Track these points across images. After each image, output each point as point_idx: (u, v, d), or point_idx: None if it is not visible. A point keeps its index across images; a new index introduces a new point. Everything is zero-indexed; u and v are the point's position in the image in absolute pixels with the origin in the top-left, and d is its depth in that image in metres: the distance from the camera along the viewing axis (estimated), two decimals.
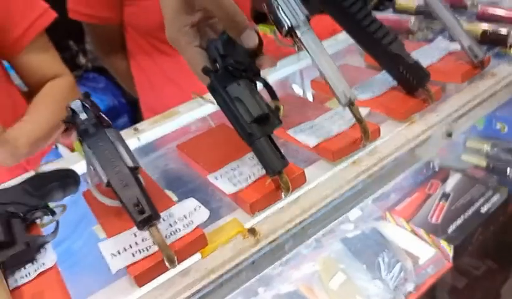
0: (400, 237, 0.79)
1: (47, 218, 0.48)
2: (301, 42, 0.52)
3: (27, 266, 0.43)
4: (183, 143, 0.60)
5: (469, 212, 0.78)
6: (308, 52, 0.52)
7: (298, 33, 0.51)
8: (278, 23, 0.53)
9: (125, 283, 0.42)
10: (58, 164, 0.61)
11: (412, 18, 0.82)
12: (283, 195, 0.48)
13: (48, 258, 0.44)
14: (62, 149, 1.27)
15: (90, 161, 0.43)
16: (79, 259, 0.48)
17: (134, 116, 2.22)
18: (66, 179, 0.51)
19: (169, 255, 0.40)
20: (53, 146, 1.03)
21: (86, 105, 0.44)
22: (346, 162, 0.53)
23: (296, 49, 0.55)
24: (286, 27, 0.52)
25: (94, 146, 0.42)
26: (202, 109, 0.70)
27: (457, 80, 0.63)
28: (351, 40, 0.60)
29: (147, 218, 0.40)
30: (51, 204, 0.49)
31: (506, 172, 0.87)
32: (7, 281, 0.41)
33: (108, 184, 0.42)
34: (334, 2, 0.56)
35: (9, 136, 0.68)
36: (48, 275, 0.43)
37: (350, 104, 0.51)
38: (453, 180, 0.87)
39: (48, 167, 0.59)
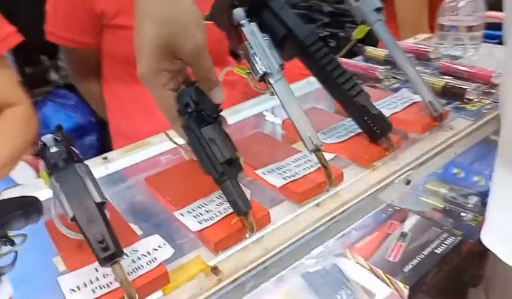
0: (359, 274, 0.81)
1: (5, 249, 0.47)
2: (273, 89, 0.54)
3: None
4: (151, 176, 0.61)
5: (425, 252, 0.82)
6: (279, 99, 0.54)
7: (271, 80, 0.54)
8: (253, 69, 0.55)
9: None
10: (20, 190, 0.60)
11: (380, 67, 0.87)
12: (247, 235, 0.49)
13: (4, 291, 0.43)
14: (25, 166, 1.23)
15: (56, 194, 0.43)
16: (36, 294, 0.47)
17: (102, 136, 2.19)
18: (29, 207, 0.50)
19: (130, 293, 0.41)
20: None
21: (58, 139, 0.45)
22: (310, 204, 0.55)
23: (269, 93, 0.58)
24: (261, 73, 0.54)
25: (63, 180, 0.42)
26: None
27: (417, 130, 0.67)
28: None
29: (110, 256, 0.40)
30: (10, 233, 0.48)
31: (460, 215, 0.92)
32: None
33: (73, 219, 0.42)
34: (306, 53, 0.59)
35: None
36: None
37: (317, 150, 0.53)
38: (411, 221, 0.91)
39: (9, 193, 0.58)
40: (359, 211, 0.57)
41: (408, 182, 0.60)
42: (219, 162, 0.47)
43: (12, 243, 0.47)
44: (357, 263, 0.85)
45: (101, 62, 1.05)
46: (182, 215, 0.51)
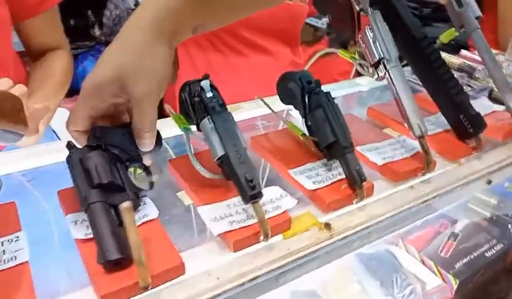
0: (410, 263, 0.87)
1: (146, 178, 0.51)
2: (389, 74, 0.59)
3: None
4: (257, 137, 0.66)
5: (475, 254, 0.87)
6: (393, 84, 0.59)
7: (388, 66, 0.59)
8: (370, 53, 0.60)
9: (214, 246, 0.48)
10: None
11: (456, 74, 0.91)
12: (354, 201, 0.54)
13: (150, 210, 0.49)
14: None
15: (208, 135, 0.48)
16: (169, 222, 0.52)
17: None
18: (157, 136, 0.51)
19: (266, 230, 0.46)
20: None
21: (213, 85, 0.50)
22: (404, 185, 0.60)
23: (376, 79, 0.63)
24: (377, 58, 0.59)
25: (218, 122, 0.47)
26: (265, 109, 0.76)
27: (499, 137, 0.72)
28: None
29: (256, 194, 0.46)
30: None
31: (508, 227, 0.97)
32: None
33: (221, 158, 0.47)
34: (417, 47, 0.64)
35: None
36: (152, 225, 0.47)
37: (421, 137, 0.58)
38: (462, 223, 0.96)
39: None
40: (446, 200, 0.62)
41: (489, 182, 0.65)
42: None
43: (148, 172, 0.52)
44: (408, 252, 0.91)
45: None
46: (296, 174, 0.57)
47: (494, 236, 0.92)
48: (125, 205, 0.41)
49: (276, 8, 1.07)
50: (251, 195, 0.45)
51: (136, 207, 0.46)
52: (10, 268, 0.41)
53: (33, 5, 0.83)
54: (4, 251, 0.43)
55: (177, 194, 0.56)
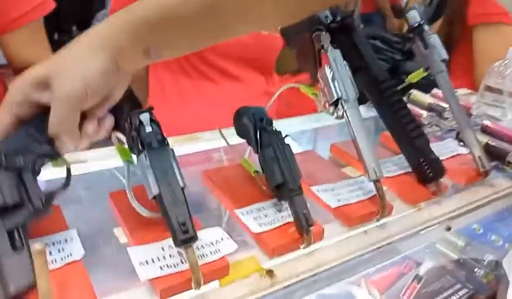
0: None
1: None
2: (346, 115, 0.57)
3: (53, 253, 0.44)
4: (209, 170, 0.63)
5: (438, 298, 0.84)
6: (350, 125, 0.57)
7: (346, 106, 0.57)
8: (328, 92, 0.58)
9: (143, 291, 0.44)
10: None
11: (425, 113, 0.90)
12: (301, 247, 0.51)
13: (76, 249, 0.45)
14: None
15: (143, 171, 0.45)
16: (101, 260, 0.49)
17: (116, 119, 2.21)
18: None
19: (198, 278, 0.43)
20: None
21: (153, 119, 0.47)
22: (358, 229, 0.57)
23: (335, 117, 0.61)
24: (336, 97, 0.57)
25: (154, 159, 0.44)
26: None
27: (461, 182, 0.70)
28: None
29: (188, 239, 0.42)
30: None
31: (474, 270, 0.95)
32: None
33: (155, 197, 0.44)
34: (376, 88, 0.63)
35: None
36: (74, 267, 0.44)
37: (377, 181, 0.56)
38: (427, 266, 0.93)
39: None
40: (402, 246, 0.59)
41: (449, 229, 0.63)
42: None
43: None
44: (370, 294, 0.87)
45: None
46: (242, 214, 0.54)
47: (460, 280, 0.89)
48: (37, 247, 0.38)
49: (249, 37, 1.06)
50: (183, 239, 0.42)
51: (44, 213, 0.42)
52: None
53: (15, 18, 0.80)
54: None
55: (114, 230, 0.52)
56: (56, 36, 2.76)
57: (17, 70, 0.86)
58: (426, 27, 0.72)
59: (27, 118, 0.44)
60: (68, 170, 0.47)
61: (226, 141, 0.66)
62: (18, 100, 0.44)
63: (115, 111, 0.49)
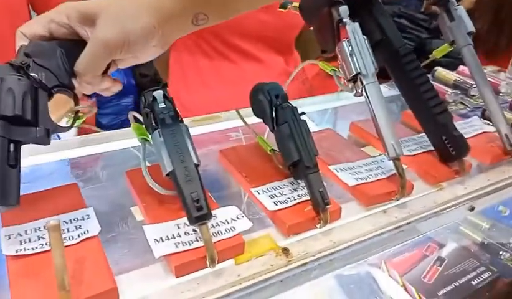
0: (391, 287, 0.82)
1: None
2: (365, 90, 0.55)
3: (70, 229, 0.45)
4: (226, 150, 0.62)
5: (461, 281, 0.82)
6: (369, 101, 0.55)
7: (365, 81, 0.55)
8: (347, 67, 0.56)
9: (159, 269, 0.44)
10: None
11: (450, 91, 0.87)
12: (318, 226, 0.51)
13: (92, 226, 0.46)
14: None
15: (157, 148, 0.45)
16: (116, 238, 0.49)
17: (138, 99, 2.23)
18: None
19: (212, 255, 0.43)
20: None
21: (167, 96, 0.47)
22: (377, 209, 0.56)
23: (355, 95, 0.59)
24: (354, 72, 0.55)
25: (168, 136, 0.44)
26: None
27: (486, 161, 0.67)
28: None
29: (202, 216, 0.42)
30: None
31: (498, 253, 0.92)
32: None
33: (169, 174, 0.44)
34: (397, 62, 0.60)
35: None
36: (90, 243, 0.44)
37: (396, 159, 0.54)
38: (449, 247, 0.91)
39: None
40: (422, 226, 0.57)
41: (472, 209, 0.61)
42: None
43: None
44: (390, 276, 0.86)
45: None
46: (258, 193, 0.53)
47: (483, 263, 0.87)
48: (52, 223, 0.38)
49: (268, 15, 1.04)
50: (197, 216, 0.42)
51: (43, 142, 0.42)
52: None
53: None
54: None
55: (131, 208, 0.53)
56: None
57: None
58: None
59: (57, 37, 0.45)
60: (76, 113, 0.47)
61: (243, 120, 0.65)
62: (59, 21, 0.45)
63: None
